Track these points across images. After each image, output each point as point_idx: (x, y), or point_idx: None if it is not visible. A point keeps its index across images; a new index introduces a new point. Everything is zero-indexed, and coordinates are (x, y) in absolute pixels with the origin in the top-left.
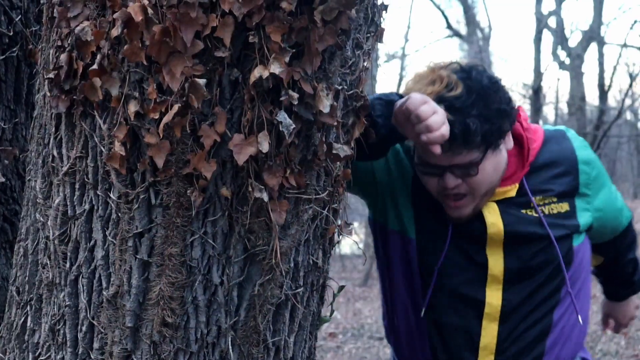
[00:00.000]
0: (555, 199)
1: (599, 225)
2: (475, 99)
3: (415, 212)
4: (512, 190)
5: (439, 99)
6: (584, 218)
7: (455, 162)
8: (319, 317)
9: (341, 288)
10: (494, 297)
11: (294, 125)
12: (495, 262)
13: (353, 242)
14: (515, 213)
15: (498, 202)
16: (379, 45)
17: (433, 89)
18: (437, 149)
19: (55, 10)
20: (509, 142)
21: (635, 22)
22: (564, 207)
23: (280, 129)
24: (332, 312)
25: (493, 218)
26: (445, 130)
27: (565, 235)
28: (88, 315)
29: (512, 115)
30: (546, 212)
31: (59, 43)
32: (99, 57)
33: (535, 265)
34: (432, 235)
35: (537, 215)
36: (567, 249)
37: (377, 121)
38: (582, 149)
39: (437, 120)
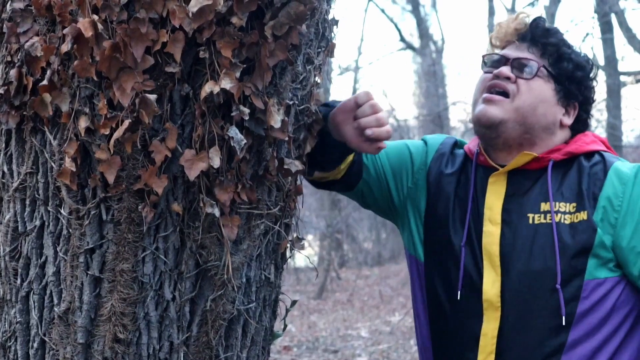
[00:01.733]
0: (573, 207)
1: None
2: (557, 29)
3: (426, 234)
4: (529, 159)
5: (527, 23)
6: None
7: (521, 55)
8: (272, 331)
9: (294, 303)
10: (489, 328)
11: (245, 141)
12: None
13: (306, 256)
14: (520, 210)
15: (510, 175)
16: (332, 58)
17: (520, 17)
18: (382, 146)
19: (4, 25)
20: (565, 115)
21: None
22: (582, 216)
23: (232, 144)
24: (284, 326)
25: (492, 208)
26: (389, 128)
27: (579, 251)
28: (39, 332)
29: (588, 87)
30: (557, 219)
31: (9, 58)
32: (49, 72)
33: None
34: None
35: (549, 221)
36: (574, 273)
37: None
38: (628, 167)
39: (385, 115)
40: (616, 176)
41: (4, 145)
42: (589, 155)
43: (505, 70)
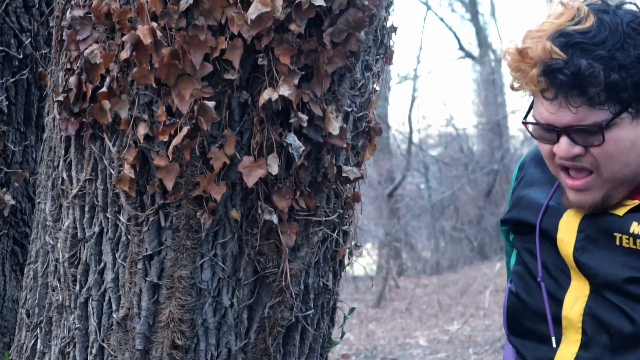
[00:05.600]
0: None
1: None
2: (608, 36)
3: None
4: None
5: (559, 34)
6: None
7: (572, 122)
8: (330, 339)
9: (352, 310)
10: None
11: (303, 148)
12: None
13: (364, 264)
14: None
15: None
16: (390, 66)
17: (559, 22)
18: None
19: (64, 33)
20: None
21: None
22: None
23: (290, 151)
24: (342, 334)
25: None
26: None
27: None
28: (98, 338)
29: None
30: None
31: (68, 66)
32: (108, 79)
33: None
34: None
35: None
36: None
37: None
38: None
39: None
40: None
41: (63, 152)
42: None
43: (566, 148)
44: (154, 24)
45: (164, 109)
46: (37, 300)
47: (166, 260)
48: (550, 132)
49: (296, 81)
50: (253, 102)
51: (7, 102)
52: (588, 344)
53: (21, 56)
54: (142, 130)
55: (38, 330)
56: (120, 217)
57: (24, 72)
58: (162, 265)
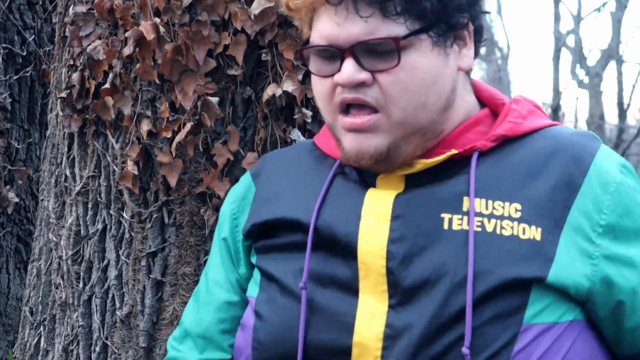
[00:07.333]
0: (518, 214)
1: (609, 308)
2: None
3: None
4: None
5: None
6: (573, 270)
7: (360, 35)
8: None
9: None
10: None
11: None
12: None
13: None
14: (422, 213)
15: (408, 179)
16: None
17: None
18: None
19: (67, 29)
20: (459, 56)
21: None
22: (531, 232)
23: None
24: None
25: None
26: None
27: (514, 282)
28: (101, 336)
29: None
30: (489, 229)
31: (71, 62)
32: (111, 75)
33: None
34: None
35: (465, 227)
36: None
37: None
38: (612, 162)
39: None
40: (599, 180)
41: (66, 148)
42: (536, 136)
43: (351, 73)
44: (157, 20)
45: (167, 105)
46: (40, 298)
47: (170, 257)
48: (332, 59)
49: (300, 77)
50: (257, 97)
51: (10, 100)
52: None
53: (25, 53)
54: (145, 126)
55: (41, 328)
56: (124, 214)
57: (28, 69)
58: (166, 262)
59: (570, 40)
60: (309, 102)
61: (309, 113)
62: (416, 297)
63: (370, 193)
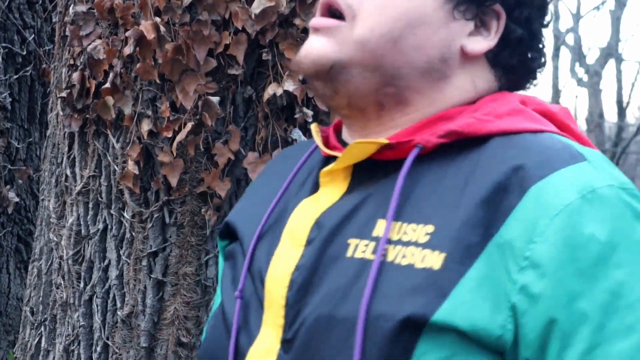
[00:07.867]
0: (426, 237)
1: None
2: None
3: None
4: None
5: None
6: (476, 310)
7: None
8: None
9: None
10: None
11: None
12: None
13: None
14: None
15: (354, 176)
16: None
17: None
18: None
19: (67, 28)
20: (473, 37)
21: None
22: (431, 259)
23: None
24: None
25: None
26: None
27: (400, 324)
28: (102, 336)
29: None
30: (390, 257)
31: (71, 62)
32: (111, 75)
33: None
34: None
35: (368, 256)
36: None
37: None
38: (573, 183)
39: None
40: (539, 201)
41: (66, 148)
42: (502, 141)
43: None
44: (158, 19)
45: (168, 105)
46: (41, 298)
47: (171, 257)
48: None
49: (301, 76)
50: (257, 97)
51: (10, 99)
52: None
53: (24, 53)
54: (145, 126)
55: (42, 328)
56: (125, 214)
57: (28, 68)
58: (167, 262)
59: (570, 39)
60: (310, 102)
61: (309, 112)
62: (301, 338)
63: (301, 206)
